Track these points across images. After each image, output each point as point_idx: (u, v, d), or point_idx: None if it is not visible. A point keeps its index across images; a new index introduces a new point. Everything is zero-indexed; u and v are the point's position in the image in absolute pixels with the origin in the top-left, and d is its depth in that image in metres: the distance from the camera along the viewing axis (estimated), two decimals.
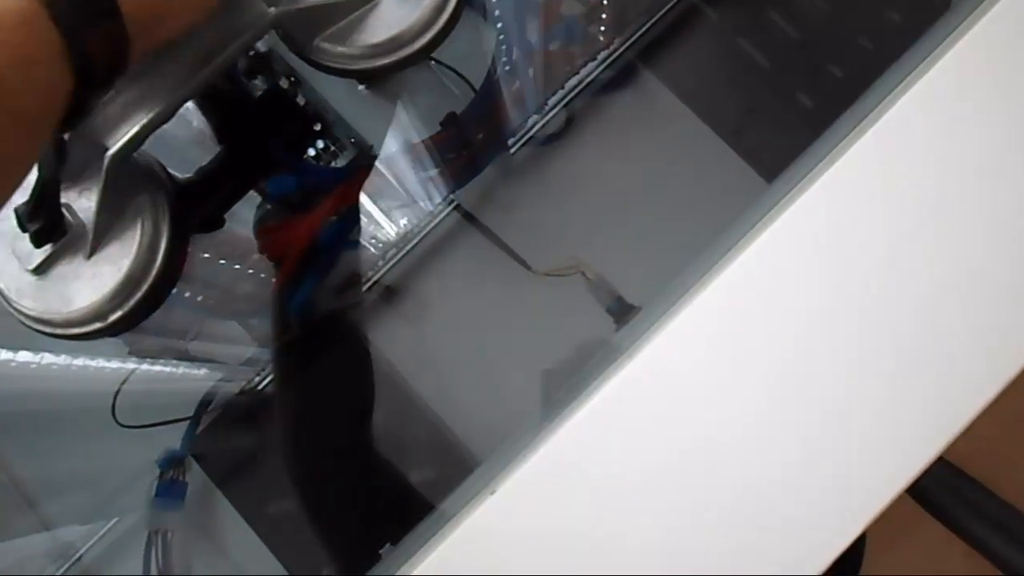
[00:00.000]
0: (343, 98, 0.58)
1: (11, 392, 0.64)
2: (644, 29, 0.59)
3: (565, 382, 0.52)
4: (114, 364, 0.63)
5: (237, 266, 0.57)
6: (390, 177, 0.57)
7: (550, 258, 0.56)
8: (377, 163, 0.57)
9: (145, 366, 0.61)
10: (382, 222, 0.60)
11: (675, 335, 0.36)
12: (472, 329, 0.58)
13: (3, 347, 0.63)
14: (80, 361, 0.64)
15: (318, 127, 0.58)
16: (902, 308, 0.34)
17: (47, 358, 0.63)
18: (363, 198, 0.59)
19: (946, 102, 0.36)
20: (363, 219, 0.59)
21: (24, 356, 0.64)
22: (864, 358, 0.33)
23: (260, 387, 0.59)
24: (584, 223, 0.57)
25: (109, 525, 0.62)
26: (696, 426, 0.34)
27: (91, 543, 0.63)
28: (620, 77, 0.59)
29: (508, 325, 0.57)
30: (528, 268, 0.56)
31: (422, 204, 0.59)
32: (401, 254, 0.60)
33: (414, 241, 0.60)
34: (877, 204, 0.35)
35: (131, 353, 0.61)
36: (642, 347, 0.35)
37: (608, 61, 0.59)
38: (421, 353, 0.58)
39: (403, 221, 0.60)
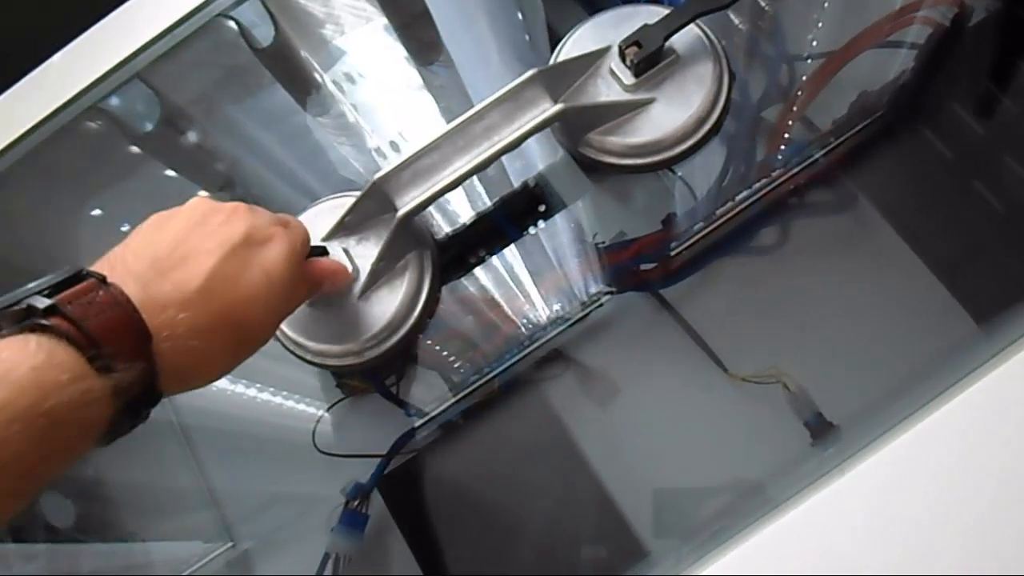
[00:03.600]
0: (569, 191, 0.63)
1: (222, 414, 0.72)
2: (864, 153, 0.61)
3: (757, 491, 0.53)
4: (312, 408, 0.69)
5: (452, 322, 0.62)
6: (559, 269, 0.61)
7: (745, 363, 0.58)
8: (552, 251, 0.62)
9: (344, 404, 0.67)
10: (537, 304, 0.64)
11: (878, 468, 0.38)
12: (659, 419, 0.60)
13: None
14: (282, 399, 0.71)
15: (542, 208, 0.63)
16: None
17: (258, 392, 0.71)
18: (526, 278, 0.64)
19: None
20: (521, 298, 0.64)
21: (240, 388, 0.71)
22: None
23: (453, 438, 0.63)
24: (784, 334, 0.59)
25: None
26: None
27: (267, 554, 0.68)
28: (838, 200, 0.61)
29: (695, 422, 0.59)
30: (725, 370, 0.58)
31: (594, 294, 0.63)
32: (596, 334, 0.63)
33: (610, 323, 0.63)
34: None
35: (337, 387, 0.67)
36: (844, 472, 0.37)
37: (824, 181, 0.62)
38: (606, 435, 0.61)
39: (556, 306, 0.64)
